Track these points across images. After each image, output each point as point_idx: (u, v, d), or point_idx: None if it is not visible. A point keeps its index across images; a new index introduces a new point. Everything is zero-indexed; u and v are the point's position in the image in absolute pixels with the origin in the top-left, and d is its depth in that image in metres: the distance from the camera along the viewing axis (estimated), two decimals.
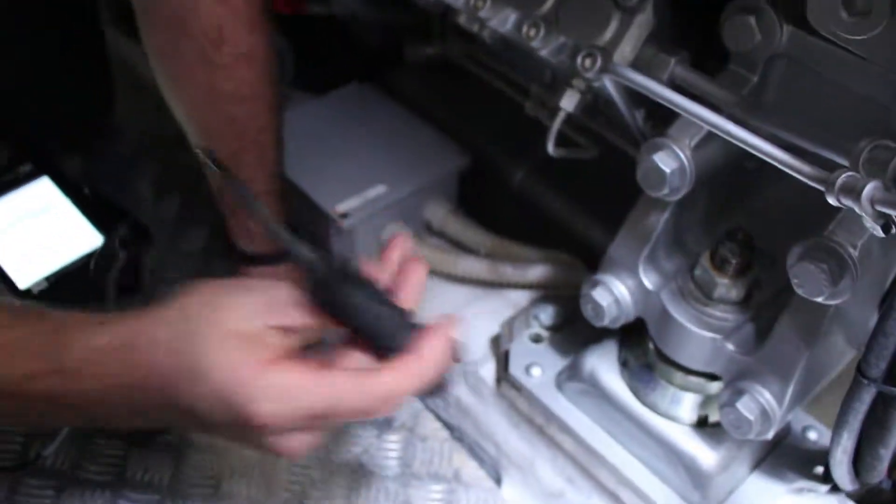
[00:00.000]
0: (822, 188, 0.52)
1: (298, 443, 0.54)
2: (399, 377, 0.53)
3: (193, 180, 0.95)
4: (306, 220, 0.99)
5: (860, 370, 0.60)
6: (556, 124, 0.71)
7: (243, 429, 0.52)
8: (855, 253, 0.56)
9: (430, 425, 0.88)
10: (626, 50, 0.65)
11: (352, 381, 0.52)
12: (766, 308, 0.69)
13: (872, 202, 0.49)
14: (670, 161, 0.63)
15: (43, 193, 1.00)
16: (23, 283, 0.90)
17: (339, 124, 1.07)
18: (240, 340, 0.52)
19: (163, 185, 1.17)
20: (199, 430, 0.56)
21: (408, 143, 1.05)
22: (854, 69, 0.56)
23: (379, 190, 0.99)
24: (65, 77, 1.11)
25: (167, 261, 1.05)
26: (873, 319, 0.62)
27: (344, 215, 0.95)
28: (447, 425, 0.88)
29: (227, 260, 0.93)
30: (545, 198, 1.02)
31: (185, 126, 0.86)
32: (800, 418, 0.80)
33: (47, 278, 0.90)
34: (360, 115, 1.09)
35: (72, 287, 0.91)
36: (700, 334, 0.68)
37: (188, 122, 0.86)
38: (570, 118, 0.73)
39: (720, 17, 0.63)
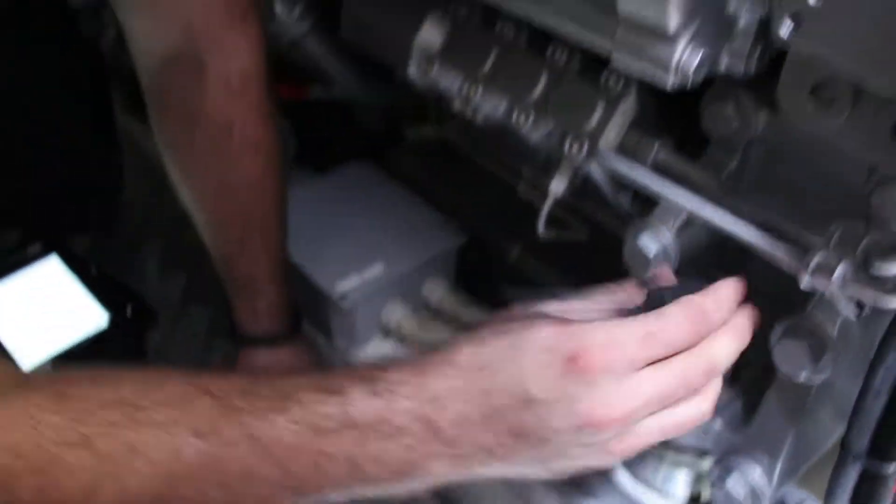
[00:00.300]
0: (795, 272, 0.54)
1: (644, 385, 0.50)
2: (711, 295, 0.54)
3: (198, 259, 0.97)
4: (305, 300, 1.00)
5: (844, 445, 0.61)
6: (546, 207, 0.74)
7: (575, 380, 0.49)
8: (835, 331, 0.57)
9: None
10: (611, 135, 0.68)
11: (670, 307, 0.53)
12: (755, 384, 0.70)
13: (843, 285, 0.51)
14: (654, 243, 0.64)
15: (50, 273, 1.02)
16: (26, 364, 0.91)
17: (339, 204, 1.10)
18: (550, 319, 0.53)
19: (168, 264, 1.20)
20: (529, 442, 0.51)
21: (406, 222, 1.07)
22: (826, 153, 0.59)
23: (377, 269, 1.01)
24: (76, 158, 1.14)
25: (171, 340, 1.07)
26: None
27: (343, 296, 0.97)
28: (444, 499, 0.88)
29: (231, 340, 0.95)
30: (542, 274, 1.04)
31: (193, 213, 0.89)
32: (794, 493, 0.80)
33: (52, 360, 0.92)
34: (359, 195, 1.12)
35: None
36: None
37: (197, 209, 0.88)
38: (561, 199, 0.75)
39: (700, 103, 0.66)
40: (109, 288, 1.01)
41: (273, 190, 0.87)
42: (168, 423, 0.49)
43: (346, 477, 0.51)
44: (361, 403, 0.51)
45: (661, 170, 0.67)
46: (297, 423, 0.50)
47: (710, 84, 0.64)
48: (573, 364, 0.49)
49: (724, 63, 0.57)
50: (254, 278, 0.89)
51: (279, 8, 0.95)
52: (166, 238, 1.21)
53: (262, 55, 0.82)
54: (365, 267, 1.01)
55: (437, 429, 0.51)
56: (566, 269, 1.01)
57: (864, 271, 0.51)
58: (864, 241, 0.51)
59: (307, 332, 1.03)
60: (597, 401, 0.49)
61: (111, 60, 1.22)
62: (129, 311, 0.98)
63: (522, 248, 1.05)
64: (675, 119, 0.69)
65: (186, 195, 0.88)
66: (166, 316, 1.09)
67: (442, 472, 0.52)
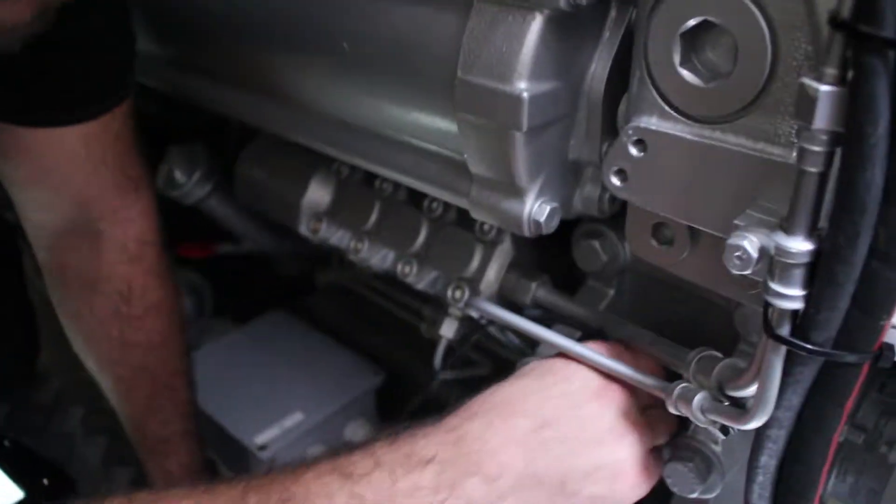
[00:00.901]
0: (663, 398, 0.56)
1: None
2: None
3: (118, 423, 0.97)
4: (225, 452, 1.00)
5: None
6: (440, 350, 0.76)
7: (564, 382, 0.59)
8: (718, 448, 0.60)
9: None
10: (490, 278, 0.71)
11: None
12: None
13: (702, 411, 0.54)
14: None
15: None
16: None
17: (255, 354, 1.11)
18: None
19: (89, 427, 1.18)
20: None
21: (323, 367, 1.08)
22: (683, 282, 0.62)
23: (296, 418, 1.01)
24: None
25: None
26: None
27: (262, 447, 0.97)
28: None
29: None
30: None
31: (99, 378, 0.89)
32: None
33: None
34: (276, 343, 1.13)
35: None
36: None
37: (102, 374, 0.89)
38: (464, 336, 0.78)
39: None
40: (25, 461, 0.99)
41: (177, 350, 0.88)
42: None
43: None
44: (385, 447, 0.54)
45: (541, 307, 0.71)
46: (326, 473, 0.52)
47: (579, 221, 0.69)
48: (557, 375, 0.60)
49: (577, 207, 0.61)
50: (164, 439, 0.89)
51: (178, 175, 0.99)
52: (87, 401, 1.20)
53: (155, 220, 0.84)
54: (284, 416, 1.01)
55: (463, 446, 0.54)
56: None
57: (719, 397, 0.54)
58: (717, 368, 0.54)
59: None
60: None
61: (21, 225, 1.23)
62: (45, 482, 0.97)
63: (441, 381, 1.06)
64: (553, 256, 0.73)
65: (91, 361, 0.89)
66: (88, 478, 1.07)
67: (478, 496, 0.54)
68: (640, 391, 0.60)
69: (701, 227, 0.51)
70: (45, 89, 0.71)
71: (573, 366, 0.60)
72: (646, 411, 0.60)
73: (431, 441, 0.55)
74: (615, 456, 0.58)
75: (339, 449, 0.55)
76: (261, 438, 0.99)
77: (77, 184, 0.78)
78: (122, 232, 0.82)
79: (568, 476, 0.57)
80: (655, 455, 0.61)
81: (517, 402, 0.58)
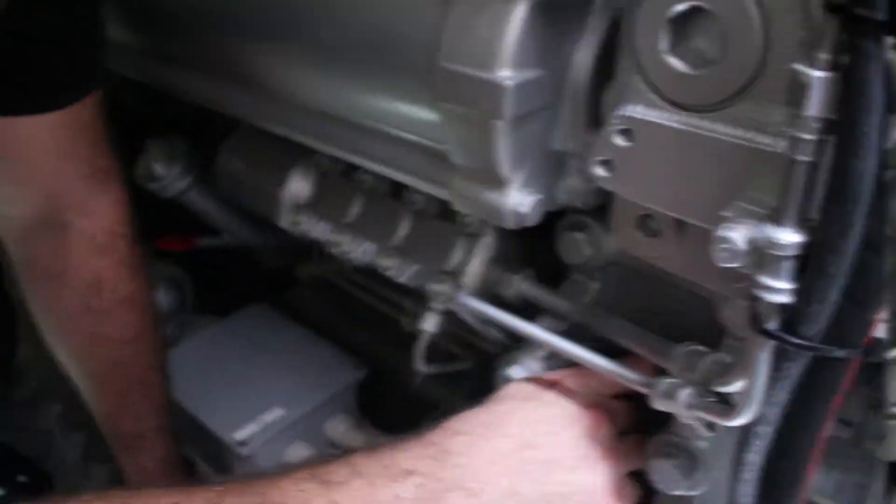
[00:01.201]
0: (647, 394, 0.55)
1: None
2: None
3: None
4: (203, 449, 0.99)
5: None
6: (422, 345, 0.75)
7: (545, 407, 0.60)
8: (703, 445, 0.59)
9: None
10: (473, 272, 0.70)
11: None
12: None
13: (688, 407, 0.53)
14: (524, 373, 0.66)
15: None
16: None
17: (235, 349, 1.09)
18: None
19: (68, 424, 1.17)
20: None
21: (304, 362, 1.07)
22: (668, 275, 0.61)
23: (276, 413, 1.00)
24: None
25: None
26: None
27: (242, 443, 0.96)
28: None
29: None
30: (446, 399, 1.04)
31: (72, 373, 0.88)
32: None
33: None
34: (256, 338, 1.11)
35: None
36: None
37: (74, 369, 0.87)
38: (445, 330, 0.77)
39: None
40: (1, 458, 0.98)
41: (150, 344, 0.87)
42: None
43: None
44: (364, 458, 0.54)
45: (524, 301, 0.69)
46: (304, 480, 0.52)
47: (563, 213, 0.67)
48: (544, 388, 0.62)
49: (562, 198, 0.60)
50: (138, 435, 0.88)
51: (158, 167, 0.97)
52: (65, 397, 1.18)
53: (126, 212, 0.83)
54: (264, 411, 1.00)
55: (445, 461, 0.55)
56: (471, 392, 1.01)
57: (705, 393, 0.53)
58: (703, 363, 0.53)
59: (209, 478, 1.01)
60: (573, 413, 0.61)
61: None
62: (22, 479, 0.95)
63: (425, 375, 1.05)
64: (536, 249, 0.72)
65: (63, 355, 0.87)
66: (66, 475, 1.06)
67: None
68: (617, 417, 0.61)
69: (688, 219, 0.50)
70: (9, 78, 0.69)
71: (552, 392, 0.62)
72: (621, 437, 0.61)
73: (411, 454, 0.55)
74: (590, 480, 0.59)
75: (315, 458, 0.56)
76: (240, 434, 0.97)
77: (44, 175, 0.77)
78: (91, 224, 0.81)
79: (550, 499, 0.58)
80: (630, 481, 0.62)
81: (500, 424, 0.59)
